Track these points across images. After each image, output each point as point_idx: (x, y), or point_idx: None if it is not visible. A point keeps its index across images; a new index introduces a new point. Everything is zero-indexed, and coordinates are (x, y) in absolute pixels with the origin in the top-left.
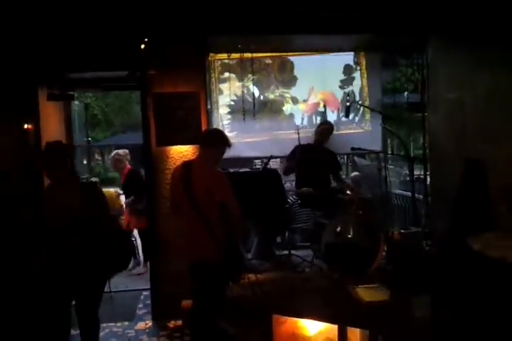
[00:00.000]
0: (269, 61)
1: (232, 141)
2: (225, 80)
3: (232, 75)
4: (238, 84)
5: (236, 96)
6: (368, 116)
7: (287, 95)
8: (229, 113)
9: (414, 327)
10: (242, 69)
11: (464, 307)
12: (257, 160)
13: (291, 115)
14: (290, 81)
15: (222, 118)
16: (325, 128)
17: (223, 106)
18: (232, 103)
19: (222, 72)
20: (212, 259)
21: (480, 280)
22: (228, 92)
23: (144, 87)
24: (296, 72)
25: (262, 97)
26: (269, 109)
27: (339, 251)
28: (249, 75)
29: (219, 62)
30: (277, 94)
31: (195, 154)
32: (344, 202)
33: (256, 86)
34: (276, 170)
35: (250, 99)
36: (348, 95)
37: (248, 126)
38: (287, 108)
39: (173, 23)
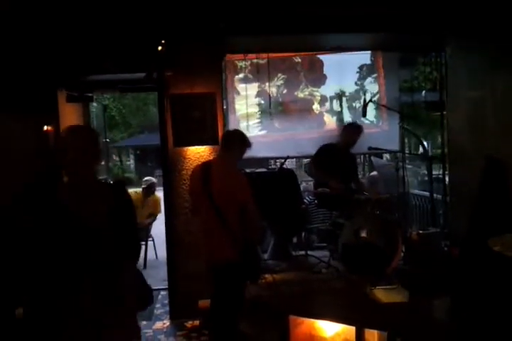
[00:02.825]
0: (298, 60)
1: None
2: (249, 80)
3: (257, 75)
4: (264, 84)
5: (261, 96)
6: (385, 115)
7: (316, 94)
8: (257, 112)
9: (434, 329)
10: (269, 69)
11: (484, 309)
12: (273, 160)
13: (321, 114)
14: (319, 79)
15: (249, 119)
16: (355, 132)
17: (251, 106)
18: (261, 102)
19: (247, 72)
20: (230, 260)
21: (500, 281)
22: (252, 92)
23: (161, 89)
24: (325, 71)
25: (290, 96)
26: (298, 108)
27: (356, 251)
28: (279, 74)
29: (243, 62)
30: (306, 92)
31: (212, 155)
32: (361, 202)
33: (284, 85)
34: (293, 171)
35: (279, 99)
36: (365, 94)
37: (275, 125)
38: (317, 107)
39: (190, 25)
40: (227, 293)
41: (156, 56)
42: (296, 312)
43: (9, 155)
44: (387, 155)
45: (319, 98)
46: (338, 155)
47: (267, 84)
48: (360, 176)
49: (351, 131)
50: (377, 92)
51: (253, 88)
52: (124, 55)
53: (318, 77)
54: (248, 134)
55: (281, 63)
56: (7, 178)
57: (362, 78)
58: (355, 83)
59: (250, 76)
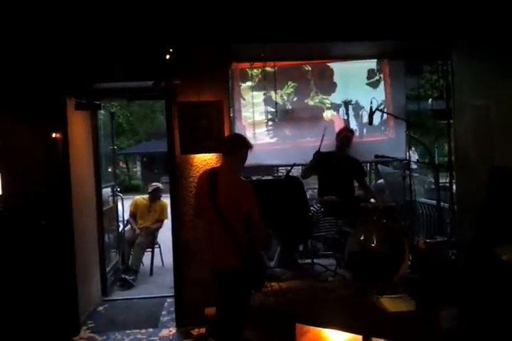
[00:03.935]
0: (308, 68)
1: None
2: (257, 88)
3: (264, 83)
4: (272, 92)
5: (268, 104)
6: (391, 123)
7: (327, 101)
8: (264, 120)
9: (440, 338)
10: (275, 77)
11: (491, 319)
12: (280, 168)
13: (331, 121)
14: (330, 87)
15: (256, 126)
16: (345, 136)
17: (258, 114)
18: (268, 110)
19: (255, 80)
20: (235, 267)
21: (508, 291)
22: (259, 100)
23: (168, 97)
24: (335, 79)
25: (300, 104)
26: (308, 115)
27: (363, 260)
28: (289, 82)
29: (251, 70)
30: (317, 100)
31: (219, 162)
32: (368, 210)
33: (295, 93)
34: (299, 178)
35: (288, 107)
36: (371, 102)
37: (282, 133)
38: (327, 114)
39: (197, 33)
40: (232, 301)
41: (164, 65)
42: (303, 320)
43: (18, 162)
44: (393, 164)
45: (329, 106)
46: (332, 159)
47: (274, 92)
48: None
49: (343, 136)
50: (384, 100)
51: (260, 96)
52: (132, 63)
53: (328, 85)
54: (255, 142)
55: (291, 71)
56: (16, 185)
57: (368, 86)
58: (362, 91)
59: (258, 84)
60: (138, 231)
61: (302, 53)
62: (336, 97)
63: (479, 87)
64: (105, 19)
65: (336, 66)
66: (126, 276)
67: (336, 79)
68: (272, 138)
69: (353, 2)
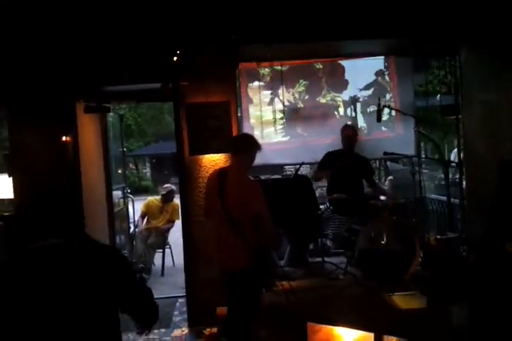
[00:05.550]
0: (319, 66)
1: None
2: (265, 88)
3: (272, 83)
4: (280, 91)
5: (276, 103)
6: (399, 120)
7: (338, 99)
8: (272, 119)
9: (452, 335)
10: (282, 76)
11: (503, 316)
12: (287, 167)
13: (343, 119)
14: (341, 85)
15: (264, 126)
16: (347, 135)
17: (266, 113)
18: (276, 109)
19: (263, 80)
20: (244, 267)
21: None
22: (267, 100)
23: (176, 98)
24: (347, 76)
25: (312, 102)
26: (319, 113)
27: (373, 257)
28: (301, 80)
29: (260, 69)
30: (329, 98)
31: (227, 162)
32: (377, 207)
33: (306, 91)
34: (308, 177)
35: (300, 105)
36: (379, 99)
37: (292, 132)
38: (339, 112)
39: (204, 35)
40: (242, 301)
41: (172, 66)
42: (314, 319)
43: (29, 166)
44: (403, 160)
45: (341, 103)
46: (340, 158)
47: (281, 90)
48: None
49: (346, 134)
50: (392, 97)
51: (268, 95)
52: (140, 66)
53: (339, 82)
54: (263, 141)
55: (303, 69)
56: (26, 188)
57: (376, 83)
58: (370, 88)
59: (268, 83)
60: (144, 231)
61: (309, 52)
62: (348, 94)
63: (488, 82)
64: (113, 22)
65: (346, 63)
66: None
67: (347, 76)
68: (284, 136)
69: (362, 4)
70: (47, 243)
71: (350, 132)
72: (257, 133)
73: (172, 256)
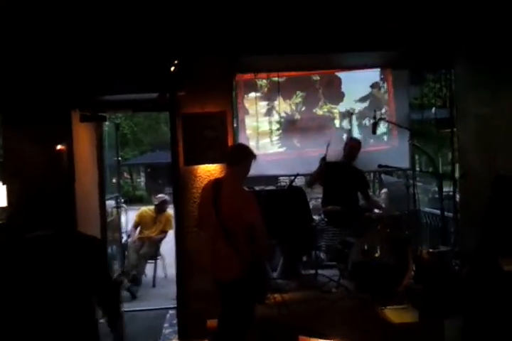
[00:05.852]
0: (316, 77)
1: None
2: (261, 99)
3: (269, 94)
4: (277, 102)
5: (273, 114)
6: (395, 132)
7: (335, 111)
8: (269, 131)
9: None
10: (279, 87)
11: (495, 329)
12: (282, 178)
13: (339, 131)
14: (338, 97)
15: (260, 137)
16: (353, 146)
17: (262, 124)
18: (272, 120)
19: (259, 91)
20: (236, 277)
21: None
22: (263, 111)
23: (173, 108)
24: (343, 88)
25: (308, 114)
26: (316, 125)
27: (366, 270)
28: (297, 92)
29: (256, 81)
30: (325, 109)
31: (222, 173)
32: (371, 220)
33: (303, 102)
34: (302, 188)
35: (297, 116)
36: (375, 111)
37: (288, 143)
38: (336, 123)
39: (201, 45)
40: (234, 312)
41: (169, 76)
42: (306, 332)
43: (23, 174)
44: (397, 173)
45: (337, 115)
46: (337, 169)
47: (278, 102)
48: (370, 194)
49: (351, 146)
50: (387, 110)
51: (264, 106)
52: (136, 75)
53: (336, 94)
54: (258, 152)
55: (300, 81)
56: (20, 197)
57: (372, 95)
58: (366, 100)
59: (263, 94)
60: (136, 241)
61: (306, 64)
62: (344, 106)
63: (482, 95)
64: (110, 31)
65: (343, 75)
66: (130, 287)
67: (343, 88)
68: (280, 147)
69: (357, 14)
70: (36, 234)
71: (355, 144)
72: (252, 144)
73: (164, 267)
